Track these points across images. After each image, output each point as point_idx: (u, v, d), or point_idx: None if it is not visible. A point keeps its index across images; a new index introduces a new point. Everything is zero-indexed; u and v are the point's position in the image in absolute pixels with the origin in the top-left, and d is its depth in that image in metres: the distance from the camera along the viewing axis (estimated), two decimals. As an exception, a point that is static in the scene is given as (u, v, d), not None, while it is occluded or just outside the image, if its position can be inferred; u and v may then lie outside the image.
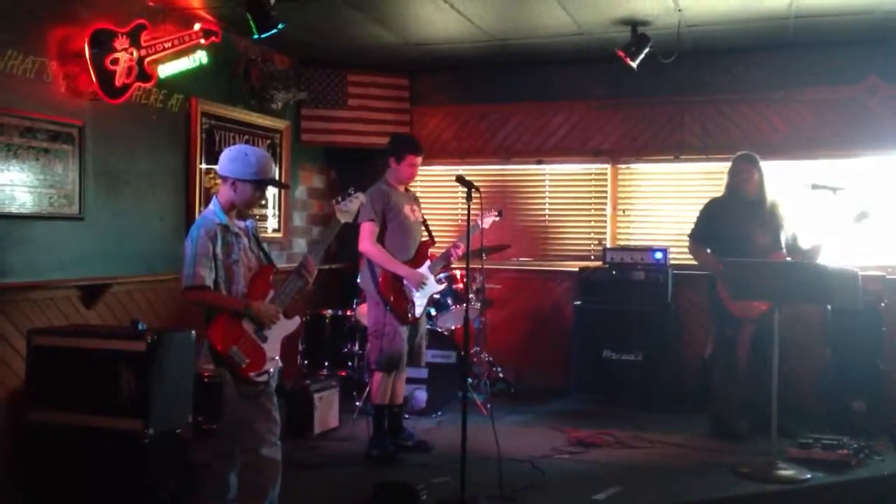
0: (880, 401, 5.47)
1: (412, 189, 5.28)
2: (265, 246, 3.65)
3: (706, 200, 5.57)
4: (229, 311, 3.33)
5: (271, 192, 6.67)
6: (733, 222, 5.25)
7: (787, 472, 4.46)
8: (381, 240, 4.85)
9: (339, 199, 3.68)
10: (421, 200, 5.34)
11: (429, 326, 5.51)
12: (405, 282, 4.84)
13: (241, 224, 3.51)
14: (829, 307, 5.72)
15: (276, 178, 3.88)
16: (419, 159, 5.01)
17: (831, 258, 5.24)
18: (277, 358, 3.46)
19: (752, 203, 5.28)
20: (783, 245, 5.25)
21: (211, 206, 3.48)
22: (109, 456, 3.66)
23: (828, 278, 4.53)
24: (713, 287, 5.30)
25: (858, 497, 4.44)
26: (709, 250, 5.37)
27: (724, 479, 4.48)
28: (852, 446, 4.70)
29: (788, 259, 5.19)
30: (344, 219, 3.67)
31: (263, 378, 3.33)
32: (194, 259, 3.29)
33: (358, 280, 5.98)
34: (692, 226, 5.52)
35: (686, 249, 5.64)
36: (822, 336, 5.90)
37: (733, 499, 4.28)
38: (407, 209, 4.97)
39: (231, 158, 3.44)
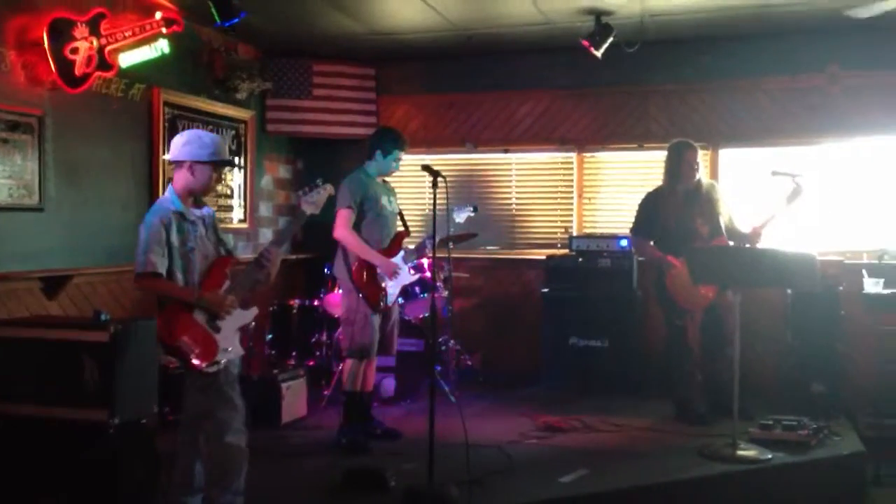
0: (839, 382, 5.61)
1: (388, 181, 5.27)
2: (224, 235, 3.61)
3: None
4: (180, 300, 3.30)
5: (237, 182, 6.64)
6: (675, 213, 5.24)
7: (749, 452, 4.54)
8: (357, 228, 4.84)
9: (306, 189, 3.59)
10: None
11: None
12: (378, 270, 4.85)
13: (198, 212, 3.47)
14: (789, 292, 5.83)
15: (231, 158, 3.85)
16: (403, 154, 5.02)
17: (781, 241, 5.31)
18: (235, 347, 3.43)
19: (691, 191, 5.28)
20: (723, 230, 5.28)
21: (166, 193, 3.46)
22: (75, 447, 3.63)
23: (786, 262, 4.62)
24: (660, 279, 5.33)
25: (818, 476, 4.55)
26: (651, 243, 5.37)
27: (688, 460, 4.55)
28: (812, 427, 4.79)
29: (730, 244, 5.24)
30: (309, 210, 3.57)
31: (213, 369, 3.29)
32: (147, 246, 3.26)
33: (329, 268, 5.99)
34: (632, 224, 5.49)
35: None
36: (783, 321, 6.02)
37: (698, 479, 4.36)
38: (384, 200, 4.97)
39: (185, 142, 3.41)
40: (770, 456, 4.52)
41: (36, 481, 3.73)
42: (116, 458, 3.64)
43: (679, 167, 5.27)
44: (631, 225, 5.51)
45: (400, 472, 4.17)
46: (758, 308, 6.09)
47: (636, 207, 5.51)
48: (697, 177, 5.29)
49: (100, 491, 3.63)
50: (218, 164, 3.45)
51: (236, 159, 6.50)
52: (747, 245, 5.17)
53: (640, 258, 6.21)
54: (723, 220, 5.30)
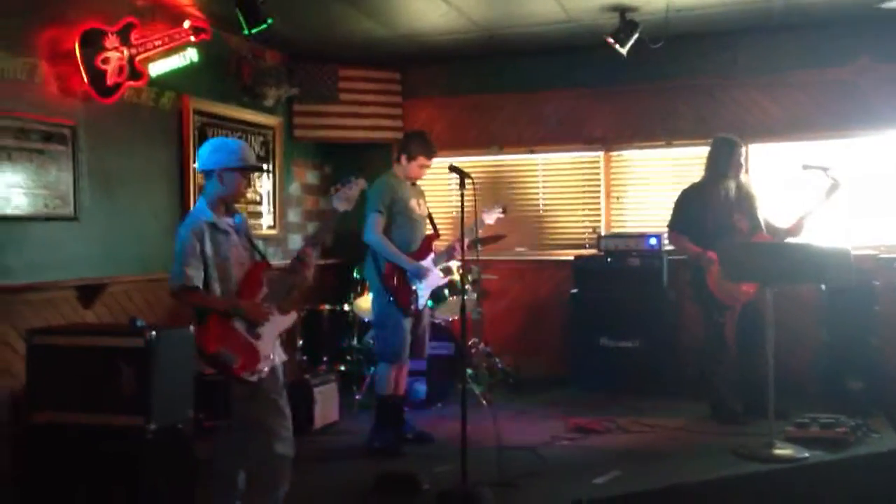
0: (876, 379, 5.52)
1: (417, 183, 5.27)
2: (257, 242, 3.64)
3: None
4: (218, 311, 3.31)
5: (265, 189, 6.70)
6: (713, 208, 5.23)
7: (785, 451, 4.49)
8: (386, 232, 4.86)
9: (338, 186, 3.58)
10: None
11: (427, 318, 5.52)
12: (409, 273, 4.86)
13: (230, 220, 3.48)
14: (823, 288, 5.75)
15: (259, 164, 3.88)
16: (430, 161, 5.02)
17: (814, 236, 5.25)
18: (278, 354, 3.46)
19: (730, 187, 5.27)
20: (762, 226, 5.25)
21: (197, 204, 3.48)
22: (112, 453, 3.66)
23: (820, 257, 4.57)
24: (697, 275, 5.29)
25: (857, 474, 4.47)
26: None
27: (723, 460, 4.52)
28: (850, 424, 4.73)
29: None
30: (342, 207, 3.56)
31: (256, 377, 3.30)
32: (182, 259, 3.28)
33: (356, 272, 6.01)
34: (670, 217, 5.48)
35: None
36: (816, 317, 5.94)
37: (733, 478, 4.29)
38: (413, 203, 4.98)
39: (212, 150, 3.44)
40: (807, 454, 4.47)
41: (73, 488, 3.78)
42: (153, 463, 3.67)
43: (728, 163, 5.26)
44: (668, 221, 5.48)
45: (433, 475, 4.17)
46: (792, 304, 6.02)
47: (672, 203, 5.48)
48: (742, 173, 5.29)
49: (137, 496, 3.67)
50: (246, 170, 3.47)
51: (264, 165, 6.56)
52: (787, 240, 5.12)
53: (679, 254, 6.15)
54: (761, 217, 5.25)
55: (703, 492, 4.20)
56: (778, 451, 4.47)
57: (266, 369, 3.35)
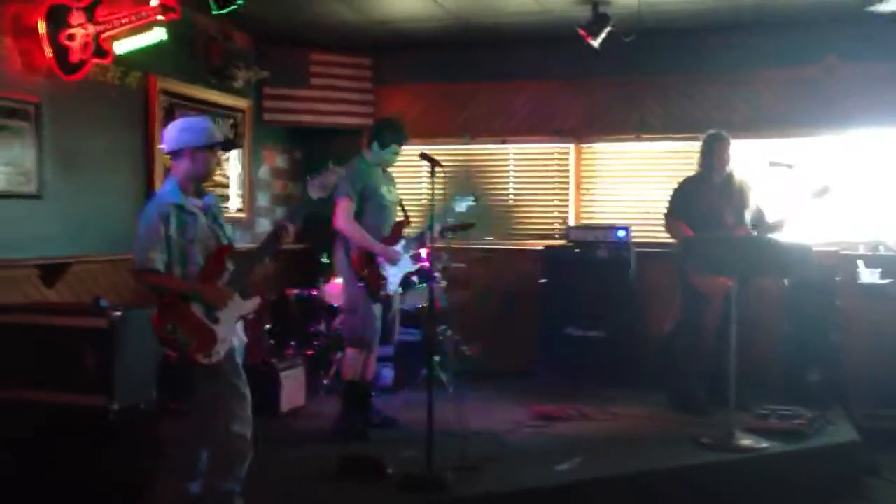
0: (835, 372, 5.62)
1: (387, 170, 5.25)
2: (225, 224, 3.58)
3: (668, 179, 5.65)
4: (177, 293, 3.29)
5: (234, 172, 6.63)
6: (706, 201, 5.32)
7: (745, 441, 4.57)
8: (357, 218, 4.84)
9: (314, 174, 3.58)
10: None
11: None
12: (379, 259, 4.85)
13: (199, 202, 3.44)
14: (785, 282, 5.85)
15: (224, 138, 3.82)
16: (401, 148, 5.01)
17: (792, 234, 5.35)
18: (238, 337, 3.44)
19: (724, 182, 5.38)
20: (747, 221, 5.34)
21: (165, 185, 3.43)
22: (74, 432, 3.64)
23: (782, 252, 4.65)
24: (683, 265, 5.35)
25: (814, 464, 4.57)
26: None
27: (685, 448, 4.58)
28: (807, 416, 4.83)
29: (754, 234, 5.29)
30: (317, 194, 3.56)
31: (211, 360, 3.28)
32: (145, 242, 3.25)
33: (325, 257, 5.99)
34: (666, 205, 5.51)
35: (648, 227, 5.69)
36: (779, 311, 6.04)
37: (694, 467, 4.39)
38: (384, 189, 4.97)
39: (180, 130, 3.40)
40: (766, 445, 4.55)
41: (35, 467, 3.74)
42: (115, 442, 3.64)
43: (711, 159, 5.37)
44: (665, 209, 5.53)
45: (398, 459, 4.18)
46: (755, 298, 6.10)
47: (641, 197, 5.54)
48: (728, 169, 5.37)
49: (98, 475, 3.64)
50: (216, 147, 3.43)
51: (231, 135, 6.43)
52: (772, 234, 5.21)
53: (647, 247, 6.25)
54: (749, 212, 5.35)
55: (664, 479, 4.28)
56: (739, 442, 4.55)
57: (222, 353, 3.32)
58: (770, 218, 5.38)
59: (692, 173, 5.54)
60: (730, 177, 5.40)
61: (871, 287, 5.62)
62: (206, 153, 3.39)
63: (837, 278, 5.79)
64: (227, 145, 3.63)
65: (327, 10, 6.08)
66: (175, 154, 3.41)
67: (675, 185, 5.58)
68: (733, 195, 5.37)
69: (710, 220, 5.24)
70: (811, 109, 6.37)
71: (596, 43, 5.86)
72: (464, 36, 6.75)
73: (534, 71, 7.02)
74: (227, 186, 6.54)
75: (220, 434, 3.35)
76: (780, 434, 4.70)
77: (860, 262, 5.77)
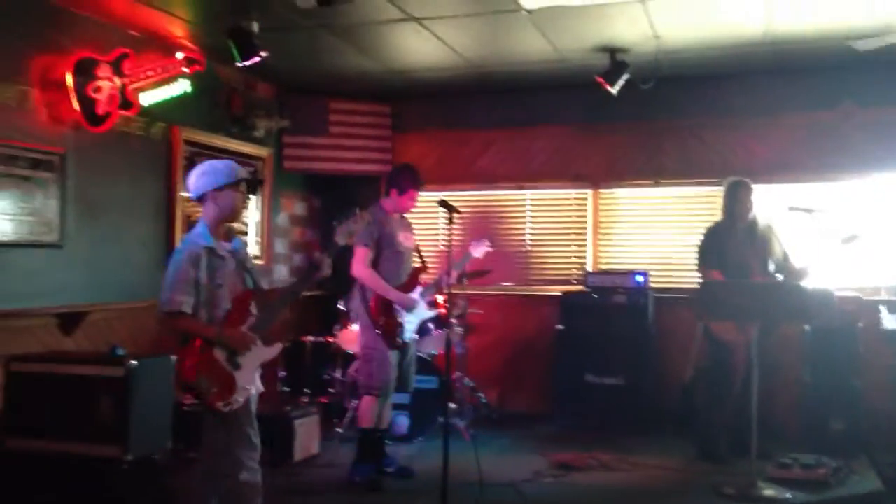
0: (858, 420, 5.51)
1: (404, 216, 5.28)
2: (252, 268, 3.58)
3: (686, 224, 5.60)
4: (201, 337, 3.29)
5: (253, 218, 6.70)
6: (733, 247, 5.29)
7: (768, 491, 4.48)
8: (374, 265, 4.86)
9: (341, 219, 3.59)
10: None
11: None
12: (396, 306, 4.85)
13: (228, 246, 3.46)
14: (806, 328, 5.77)
15: (248, 174, 3.84)
16: (418, 193, 5.05)
17: (813, 279, 5.28)
18: (256, 385, 3.43)
19: (748, 228, 5.36)
20: (771, 268, 5.30)
21: (197, 227, 3.43)
22: (88, 482, 3.64)
23: (804, 298, 4.60)
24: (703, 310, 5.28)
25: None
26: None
27: (706, 499, 4.50)
28: (831, 466, 4.73)
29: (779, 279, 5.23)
30: (344, 240, 3.57)
31: (229, 408, 3.27)
32: (173, 284, 3.26)
33: (341, 304, 6.00)
34: (697, 255, 5.45)
35: (666, 272, 5.62)
36: (800, 357, 5.95)
37: (715, 520, 4.30)
38: (401, 236, 4.99)
39: (201, 173, 3.43)
40: (790, 496, 4.46)
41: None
42: (129, 493, 3.64)
43: (734, 205, 5.36)
44: (696, 263, 5.47)
45: (413, 510, 4.14)
46: (775, 345, 6.02)
47: (660, 242, 5.47)
48: (751, 215, 5.35)
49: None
50: (240, 184, 3.44)
51: (252, 171, 6.49)
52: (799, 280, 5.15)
53: (664, 292, 6.19)
54: (774, 259, 5.32)
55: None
56: (761, 492, 4.46)
57: (241, 400, 3.32)
58: (796, 264, 5.33)
59: (711, 219, 5.51)
60: (753, 223, 5.38)
61: (895, 333, 5.53)
62: (230, 191, 3.40)
63: (860, 324, 5.71)
64: (250, 184, 3.62)
65: (349, 62, 6.18)
66: (201, 199, 3.44)
67: (701, 235, 5.52)
68: (756, 241, 5.34)
69: (740, 267, 5.19)
70: (829, 154, 6.35)
71: (614, 90, 5.91)
72: (482, 83, 6.83)
73: (551, 117, 7.07)
74: (245, 233, 6.61)
75: (230, 483, 3.33)
76: (803, 484, 4.60)
77: (883, 308, 5.70)
